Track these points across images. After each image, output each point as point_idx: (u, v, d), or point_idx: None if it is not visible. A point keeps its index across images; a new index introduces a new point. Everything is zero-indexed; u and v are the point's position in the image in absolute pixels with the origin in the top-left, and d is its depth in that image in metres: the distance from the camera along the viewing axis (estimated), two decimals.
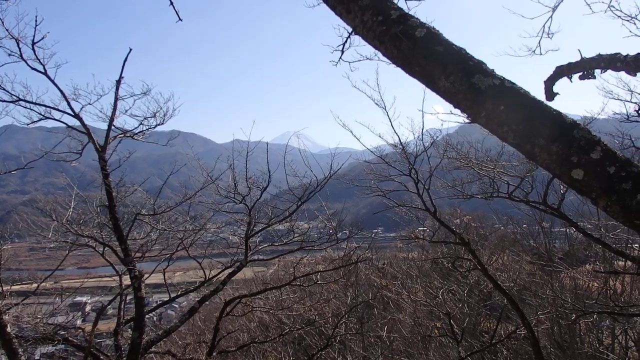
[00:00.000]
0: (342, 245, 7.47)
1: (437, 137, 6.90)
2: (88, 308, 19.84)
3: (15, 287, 4.34)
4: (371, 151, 6.96)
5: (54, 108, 4.24)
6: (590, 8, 3.15)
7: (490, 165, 5.70)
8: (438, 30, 1.55)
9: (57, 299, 5.15)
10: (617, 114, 4.60)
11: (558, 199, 4.83)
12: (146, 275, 4.68)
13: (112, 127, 4.53)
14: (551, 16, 3.30)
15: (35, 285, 4.56)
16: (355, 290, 9.32)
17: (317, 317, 7.28)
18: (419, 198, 6.94)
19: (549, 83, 2.48)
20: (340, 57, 2.20)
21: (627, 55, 2.36)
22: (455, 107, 1.51)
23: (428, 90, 1.57)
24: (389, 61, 1.67)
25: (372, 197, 7.35)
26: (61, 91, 4.21)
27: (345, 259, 7.45)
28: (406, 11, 1.63)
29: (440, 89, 1.49)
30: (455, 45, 1.51)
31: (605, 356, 6.56)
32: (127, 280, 4.66)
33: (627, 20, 3.17)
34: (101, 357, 4.03)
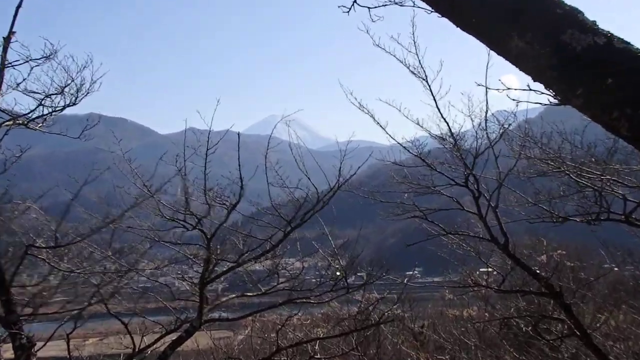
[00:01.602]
0: (355, 296, 7.26)
1: (510, 125, 6.75)
2: None
3: None
4: (404, 147, 7.01)
5: None
6: None
7: (596, 170, 5.52)
8: None
9: None
10: None
11: None
12: (39, 344, 4.50)
13: None
14: None
15: None
16: None
17: None
18: (480, 221, 6.89)
19: None
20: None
21: None
22: (535, 80, 1.46)
23: (494, 54, 1.55)
24: (429, 8, 1.67)
25: (404, 219, 7.28)
26: None
27: (361, 318, 6.97)
28: None
29: (512, 51, 1.42)
30: None
31: None
32: (8, 353, 4.51)
33: None
34: None
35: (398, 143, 6.95)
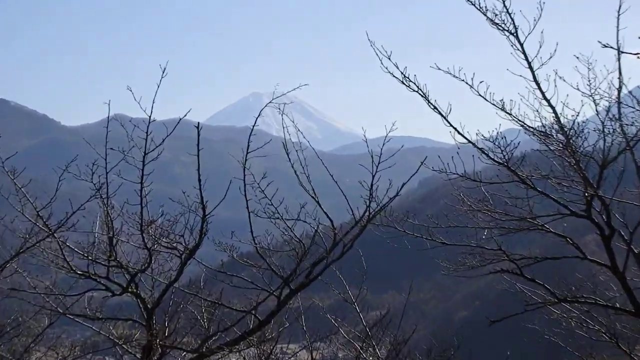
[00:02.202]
0: None
1: None
2: None
3: None
4: (480, 149, 7.18)
5: None
6: None
7: None
8: None
9: None
10: None
11: None
12: None
13: None
14: None
15: None
16: None
17: None
18: (615, 278, 6.95)
19: None
20: None
21: None
22: None
23: None
24: None
25: (484, 276, 7.50)
26: None
27: None
28: None
29: None
30: None
31: None
32: None
33: None
34: None
35: (469, 141, 7.04)
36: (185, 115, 5.97)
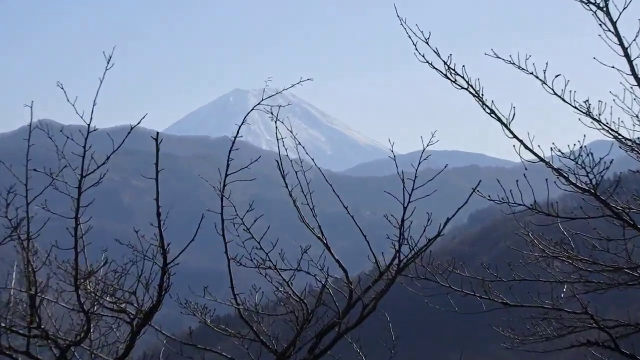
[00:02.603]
0: None
1: None
2: None
3: None
4: (558, 172, 7.38)
5: None
6: None
7: None
8: None
9: None
10: None
11: None
12: None
13: None
14: None
15: None
16: None
17: None
18: None
19: None
20: None
21: None
22: None
23: None
24: None
25: (566, 350, 7.45)
26: None
27: None
28: None
29: None
30: None
31: None
32: None
33: None
34: None
35: (541, 159, 7.08)
36: (139, 122, 5.92)
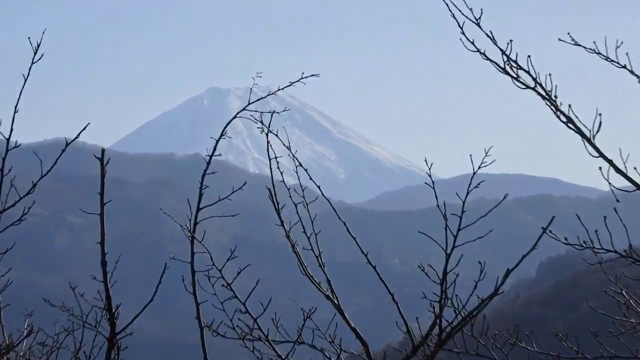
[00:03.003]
0: None
1: None
2: None
3: None
4: None
5: None
6: None
7: None
8: None
9: None
10: None
11: None
12: None
13: None
14: None
15: None
16: None
17: None
18: None
19: None
20: None
21: None
22: None
23: None
24: None
25: None
26: None
27: None
28: None
29: None
30: None
31: None
32: None
33: None
34: None
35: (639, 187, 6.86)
36: (78, 135, 5.99)
